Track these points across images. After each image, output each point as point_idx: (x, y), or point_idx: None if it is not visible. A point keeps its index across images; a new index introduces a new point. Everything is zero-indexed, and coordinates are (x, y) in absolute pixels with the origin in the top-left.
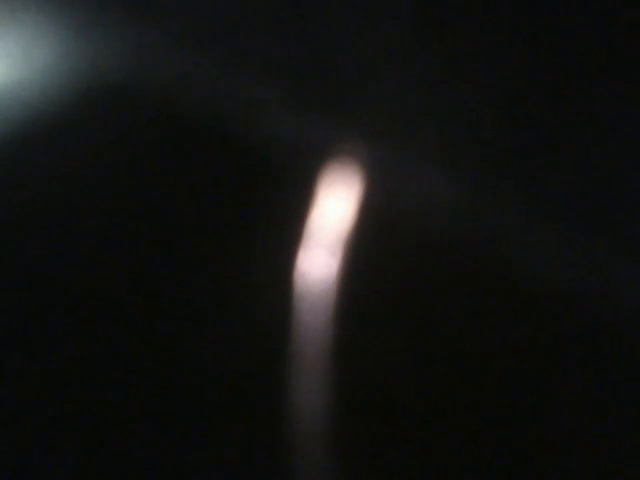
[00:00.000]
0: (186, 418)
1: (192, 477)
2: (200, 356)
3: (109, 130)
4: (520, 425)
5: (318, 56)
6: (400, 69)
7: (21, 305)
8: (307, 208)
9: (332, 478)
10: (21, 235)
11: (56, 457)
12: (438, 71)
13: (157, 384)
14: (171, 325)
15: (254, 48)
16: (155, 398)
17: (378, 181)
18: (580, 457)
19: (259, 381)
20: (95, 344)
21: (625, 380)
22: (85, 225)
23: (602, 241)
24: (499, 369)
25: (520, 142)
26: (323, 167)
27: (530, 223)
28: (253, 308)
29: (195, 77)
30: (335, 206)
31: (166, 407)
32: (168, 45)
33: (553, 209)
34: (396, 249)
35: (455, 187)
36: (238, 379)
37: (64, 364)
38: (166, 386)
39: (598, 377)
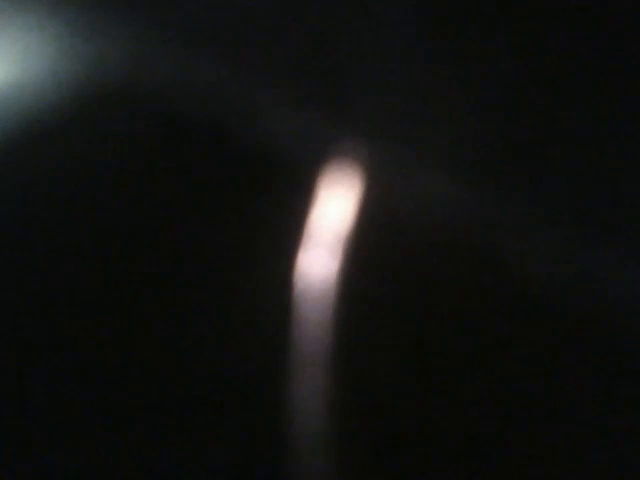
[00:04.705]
0: (186, 418)
1: (192, 477)
2: (200, 356)
3: (109, 130)
4: (520, 425)
5: (318, 56)
6: (400, 69)
7: (22, 304)
8: (307, 208)
9: (332, 478)
10: (21, 234)
11: (56, 455)
12: (438, 71)
13: (157, 384)
14: (171, 325)
15: (254, 48)
16: (155, 398)
17: (378, 181)
18: (580, 456)
19: (259, 381)
20: (96, 344)
21: (625, 379)
22: (86, 225)
23: (602, 241)
24: (499, 369)
25: (520, 142)
26: (323, 167)
27: (530, 223)
28: (253, 308)
29: (195, 77)
30: (335, 206)
31: (166, 407)
32: (168, 45)
33: (553, 209)
34: (396, 249)
35: (455, 187)
36: (238, 379)
37: (66, 362)
38: (166, 386)
39: (598, 376)
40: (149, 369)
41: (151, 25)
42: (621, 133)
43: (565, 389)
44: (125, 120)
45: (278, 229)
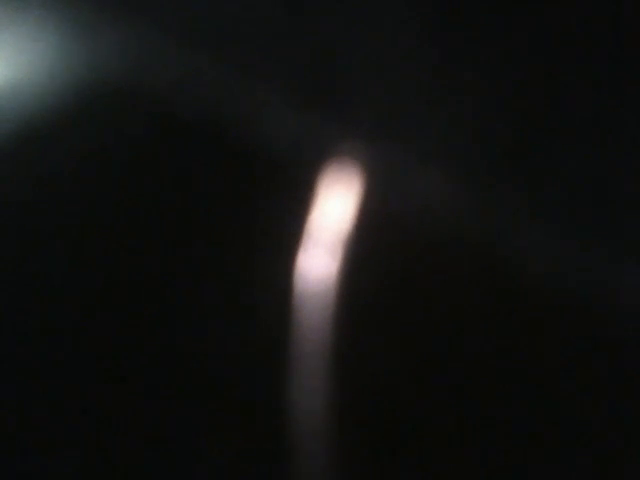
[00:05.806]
0: (186, 418)
1: (192, 477)
2: (200, 356)
3: (109, 130)
4: (520, 425)
5: (318, 56)
6: (400, 69)
7: (21, 304)
8: (307, 208)
9: (332, 478)
10: (21, 234)
11: (56, 456)
12: (438, 71)
13: (157, 384)
14: (171, 325)
15: (254, 48)
16: (155, 398)
17: (378, 181)
18: (580, 457)
19: (259, 381)
20: (95, 345)
21: (625, 380)
22: (85, 225)
23: (602, 241)
24: (499, 369)
25: (520, 142)
26: (323, 167)
27: (530, 223)
28: (253, 308)
29: (195, 77)
30: (335, 206)
31: (166, 407)
32: (168, 45)
33: (553, 209)
34: (396, 249)
35: (455, 187)
36: (238, 379)
37: (65, 363)
38: (166, 386)
39: (598, 377)
40: (149, 369)
41: (151, 25)
42: (621, 133)
43: (565, 389)
44: (124, 120)
45: (278, 229)
